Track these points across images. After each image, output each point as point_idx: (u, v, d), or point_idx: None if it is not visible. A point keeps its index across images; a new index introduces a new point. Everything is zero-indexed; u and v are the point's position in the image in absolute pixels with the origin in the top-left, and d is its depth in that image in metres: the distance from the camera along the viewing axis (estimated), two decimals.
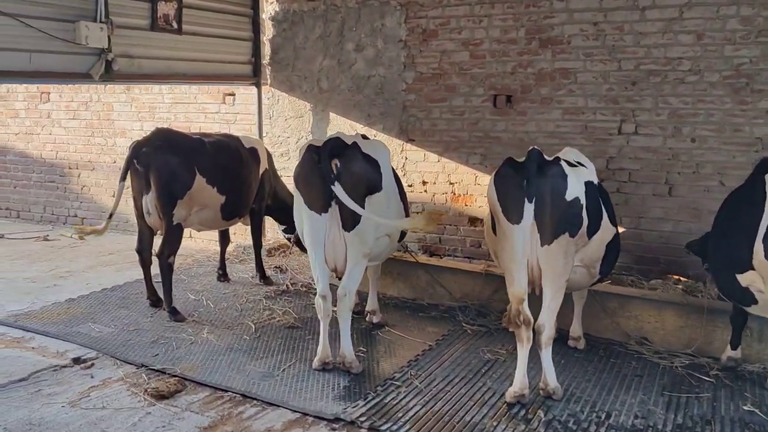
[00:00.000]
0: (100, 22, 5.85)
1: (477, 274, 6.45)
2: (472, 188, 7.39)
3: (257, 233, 6.98)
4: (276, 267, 7.44)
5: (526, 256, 4.28)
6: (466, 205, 7.44)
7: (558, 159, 4.35)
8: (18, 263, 7.80)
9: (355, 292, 4.86)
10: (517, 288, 4.31)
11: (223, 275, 7.06)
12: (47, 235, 9.25)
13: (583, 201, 4.28)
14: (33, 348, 5.17)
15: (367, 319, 5.94)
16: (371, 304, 5.93)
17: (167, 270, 5.79)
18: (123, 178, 5.66)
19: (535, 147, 4.35)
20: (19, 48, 5.25)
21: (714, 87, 6.25)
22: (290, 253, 7.82)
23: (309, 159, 4.61)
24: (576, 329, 5.51)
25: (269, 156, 7.02)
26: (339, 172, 4.51)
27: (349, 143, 4.70)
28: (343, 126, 7.95)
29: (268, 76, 8.27)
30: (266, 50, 8.22)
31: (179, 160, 5.67)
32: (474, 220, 7.41)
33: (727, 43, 6.16)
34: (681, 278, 6.43)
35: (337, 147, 4.59)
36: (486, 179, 7.27)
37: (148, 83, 8.14)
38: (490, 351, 5.33)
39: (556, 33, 6.81)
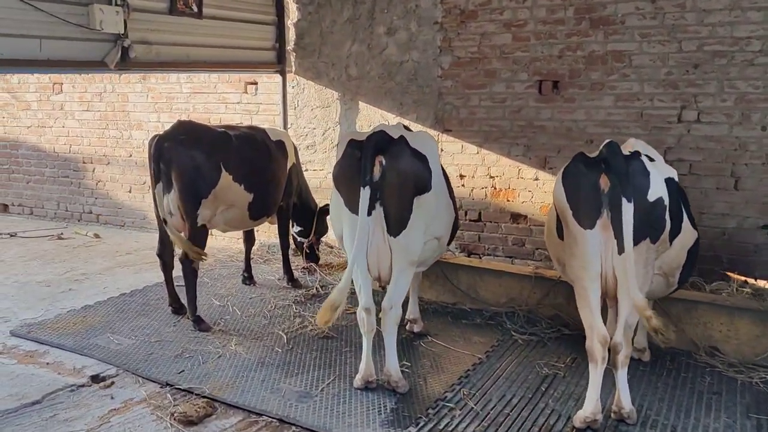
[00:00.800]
0: (116, 4, 5.35)
1: (524, 277, 5.94)
2: (515, 182, 6.84)
3: (285, 233, 6.50)
4: (303, 268, 6.96)
5: (600, 266, 3.77)
6: (508, 201, 6.90)
7: (638, 153, 3.81)
8: (32, 265, 7.38)
9: (401, 304, 4.35)
10: (593, 301, 3.79)
11: (248, 278, 6.59)
12: (61, 234, 8.83)
13: (666, 201, 3.75)
14: (47, 364, 4.72)
15: (407, 328, 5.45)
16: (412, 311, 5.44)
17: (191, 276, 5.32)
18: (158, 180, 5.16)
19: (612, 140, 3.81)
20: (28, 34, 4.76)
21: None
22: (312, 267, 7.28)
23: (351, 155, 4.10)
24: (640, 340, 5.00)
25: (295, 149, 6.54)
26: (384, 170, 3.99)
27: (395, 136, 4.17)
28: (373, 116, 7.43)
29: (292, 63, 7.75)
30: (291, 35, 7.69)
31: (204, 156, 5.18)
32: (516, 217, 6.87)
33: None
34: (747, 280, 5.87)
35: (381, 142, 4.07)
36: (529, 172, 6.75)
37: (166, 72, 7.65)
38: (547, 365, 4.83)
39: (609, 12, 6.22)
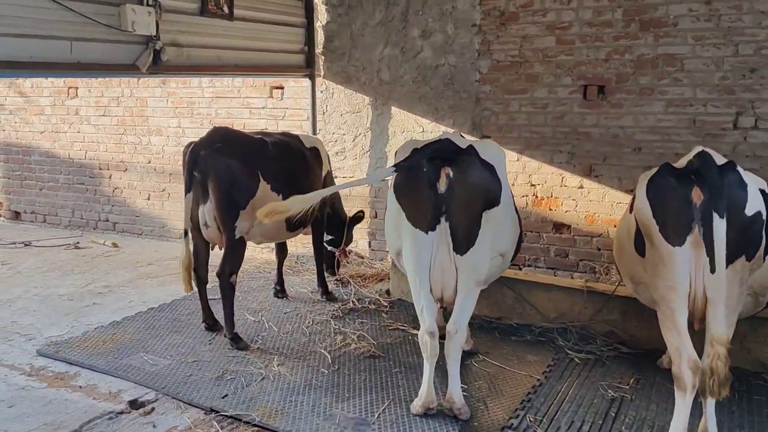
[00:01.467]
0: (147, 5, 5.07)
1: (575, 291, 5.64)
2: (558, 190, 6.56)
3: (320, 243, 6.21)
4: (337, 280, 6.67)
5: (688, 286, 3.49)
6: (551, 209, 6.62)
7: (733, 163, 3.53)
8: (50, 276, 7.07)
9: (466, 327, 4.05)
10: (681, 324, 3.50)
11: (281, 291, 6.30)
12: (78, 243, 8.53)
13: (765, 215, 3.47)
14: (80, 387, 4.42)
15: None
16: None
17: (229, 291, 5.03)
18: (189, 189, 4.86)
19: (704, 148, 3.53)
20: (58, 35, 4.47)
21: None
22: (348, 262, 7.04)
23: (416, 167, 3.80)
24: None
25: (328, 157, 6.25)
26: (451, 182, 3.70)
27: (463, 146, 3.87)
28: (406, 122, 7.15)
29: (321, 67, 7.47)
30: (320, 38, 7.42)
31: (241, 165, 4.89)
32: (560, 227, 6.60)
33: None
34: None
35: (448, 151, 3.78)
36: (574, 180, 6.48)
37: (197, 76, 7.35)
38: (611, 386, 4.53)
39: (660, 14, 5.96)
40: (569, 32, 6.32)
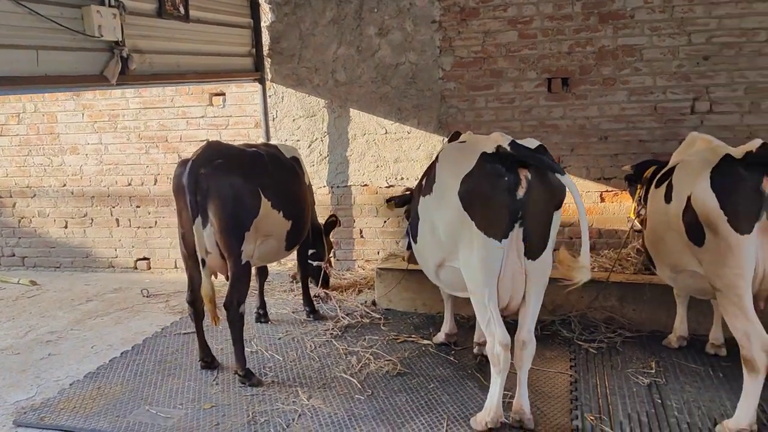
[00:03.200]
0: (109, 5, 4.39)
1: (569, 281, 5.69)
2: None
3: (305, 260, 5.80)
4: (315, 296, 6.25)
5: (754, 271, 3.59)
6: None
7: None
8: None
9: None
10: (750, 309, 3.60)
11: (263, 315, 5.81)
12: None
13: None
14: None
15: (475, 351, 5.01)
16: (481, 334, 4.98)
17: (239, 322, 4.50)
18: (197, 214, 4.25)
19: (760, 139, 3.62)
20: (23, 44, 3.73)
21: None
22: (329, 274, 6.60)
23: (492, 171, 3.56)
24: (718, 336, 4.92)
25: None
26: (530, 185, 3.52)
27: (532, 146, 3.68)
28: (367, 124, 6.88)
29: (268, 70, 6.97)
30: (266, 39, 6.92)
31: (243, 182, 4.39)
32: None
33: None
34: None
35: (523, 154, 3.58)
36: None
37: (160, 85, 6.55)
38: (639, 373, 4.62)
39: (617, 6, 6.17)
40: (531, 26, 6.37)
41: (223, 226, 4.32)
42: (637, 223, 5.44)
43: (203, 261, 4.32)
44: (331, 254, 6.53)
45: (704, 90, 6.12)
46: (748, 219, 3.51)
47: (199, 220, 4.24)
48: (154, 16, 5.01)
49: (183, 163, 4.38)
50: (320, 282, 6.14)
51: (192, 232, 4.34)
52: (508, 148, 3.62)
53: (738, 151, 3.73)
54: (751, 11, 5.90)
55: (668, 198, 4.14)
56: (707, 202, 3.65)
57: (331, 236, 6.31)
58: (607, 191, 6.48)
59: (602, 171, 6.47)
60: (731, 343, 4.84)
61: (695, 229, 3.81)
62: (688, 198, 3.84)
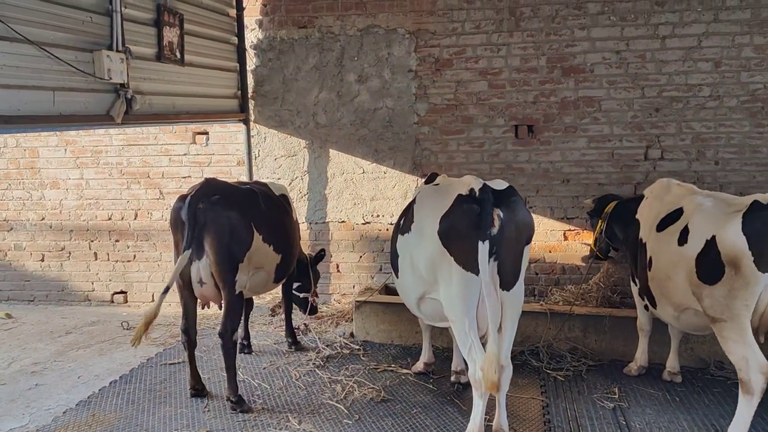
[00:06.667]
0: (117, 51, 4.69)
1: (537, 314, 6.10)
2: None
3: (290, 293, 6.05)
4: (296, 328, 6.48)
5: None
6: None
7: None
8: None
9: None
10: (750, 336, 4.02)
11: (247, 346, 6.00)
12: None
13: None
14: None
15: (453, 379, 5.32)
16: (458, 363, 5.32)
17: (233, 351, 4.73)
18: (189, 245, 4.50)
19: None
20: (41, 85, 3.99)
21: (733, 111, 6.56)
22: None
23: (468, 210, 3.95)
24: (674, 364, 5.36)
25: None
26: (503, 223, 3.92)
27: (502, 188, 4.10)
28: (346, 163, 7.25)
29: (252, 111, 7.31)
30: (251, 82, 7.27)
31: (238, 216, 4.68)
32: None
33: (743, 69, 6.50)
34: None
35: (494, 194, 3.99)
36: None
37: (157, 124, 6.78)
38: (604, 398, 5.00)
39: (579, 61, 6.77)
40: (500, 77, 6.90)
41: (218, 258, 4.59)
42: (598, 254, 5.95)
43: (167, 288, 4.49)
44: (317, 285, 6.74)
45: (656, 139, 6.73)
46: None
47: (188, 251, 4.48)
48: (154, 60, 5.31)
49: (182, 198, 4.65)
50: (308, 310, 6.36)
51: (189, 262, 4.59)
52: (477, 192, 4.01)
53: (765, 197, 4.11)
54: (696, 69, 6.57)
55: (683, 240, 4.42)
56: (737, 244, 3.98)
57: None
58: (569, 230, 6.97)
59: (565, 211, 6.97)
60: (686, 371, 5.34)
61: (711, 268, 4.13)
62: (708, 240, 4.17)
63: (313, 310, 6.44)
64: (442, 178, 4.94)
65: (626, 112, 6.74)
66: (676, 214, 4.64)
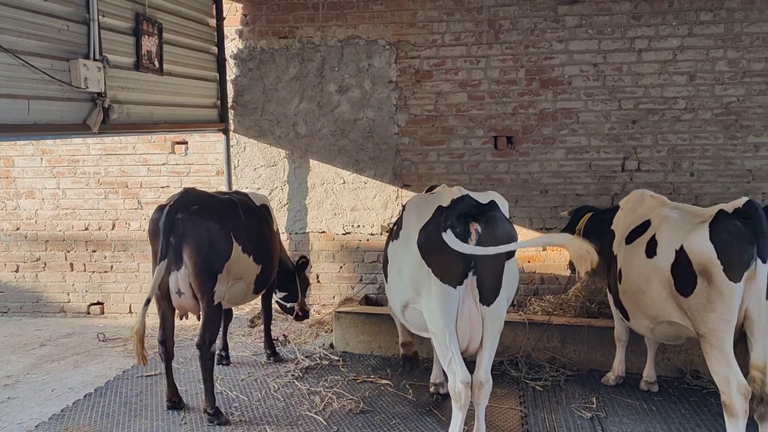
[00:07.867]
0: (94, 59, 4.66)
1: (516, 324, 6.12)
2: None
3: (270, 304, 6.01)
4: (275, 339, 6.44)
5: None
6: None
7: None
8: None
9: None
10: (731, 353, 3.96)
11: (225, 357, 5.94)
12: None
13: None
14: None
15: (432, 391, 5.31)
16: (438, 375, 5.31)
17: (210, 361, 4.68)
18: (165, 256, 4.45)
19: (751, 198, 4.07)
20: (16, 94, 3.94)
21: (707, 123, 6.68)
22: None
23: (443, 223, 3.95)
24: (651, 373, 5.40)
25: None
26: (480, 237, 3.92)
27: (483, 201, 4.11)
28: (326, 174, 7.25)
29: (231, 121, 7.29)
30: (230, 92, 7.25)
31: (218, 227, 4.65)
32: None
33: (716, 83, 6.63)
34: None
35: (474, 208, 4.00)
36: None
37: (136, 134, 6.71)
38: (582, 408, 5.02)
39: (557, 74, 6.85)
40: (479, 89, 6.96)
41: (197, 268, 4.55)
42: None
43: (148, 300, 4.47)
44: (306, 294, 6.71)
45: (633, 150, 6.82)
46: (740, 268, 3.87)
47: (164, 262, 4.44)
48: (132, 69, 5.28)
49: (160, 208, 4.61)
50: (296, 316, 6.32)
51: (167, 272, 4.55)
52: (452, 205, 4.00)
53: (729, 207, 4.10)
54: (671, 82, 6.68)
55: (651, 252, 4.42)
56: (705, 254, 3.96)
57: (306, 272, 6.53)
58: None
59: (544, 221, 7.03)
60: (662, 380, 5.39)
61: (685, 279, 4.11)
62: (677, 251, 4.16)
63: (304, 315, 6.40)
64: (440, 188, 4.92)
65: (603, 123, 6.82)
66: (643, 226, 4.66)
